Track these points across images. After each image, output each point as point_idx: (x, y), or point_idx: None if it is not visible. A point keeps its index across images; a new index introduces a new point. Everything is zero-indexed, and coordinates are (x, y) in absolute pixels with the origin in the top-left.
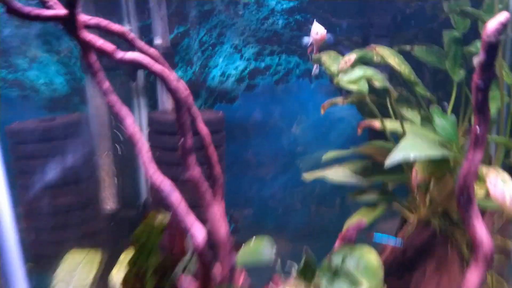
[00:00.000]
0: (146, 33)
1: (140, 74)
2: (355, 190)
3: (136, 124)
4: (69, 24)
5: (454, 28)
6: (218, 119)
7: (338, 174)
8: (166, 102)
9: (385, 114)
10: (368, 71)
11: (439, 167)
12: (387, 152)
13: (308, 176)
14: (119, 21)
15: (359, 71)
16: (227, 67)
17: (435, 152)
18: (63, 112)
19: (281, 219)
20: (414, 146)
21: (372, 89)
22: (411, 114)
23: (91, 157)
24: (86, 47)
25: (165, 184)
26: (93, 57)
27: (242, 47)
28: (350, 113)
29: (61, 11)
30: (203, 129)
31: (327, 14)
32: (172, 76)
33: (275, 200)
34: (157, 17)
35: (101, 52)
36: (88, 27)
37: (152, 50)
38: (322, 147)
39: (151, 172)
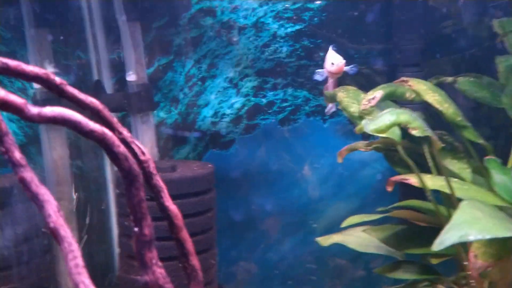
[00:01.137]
0: (118, 68)
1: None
2: (384, 264)
3: (59, 214)
4: None
5: (510, 52)
6: (206, 175)
7: (362, 242)
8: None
9: (422, 165)
10: (402, 116)
11: (505, 247)
12: (428, 217)
13: (323, 241)
14: (85, 52)
15: (389, 116)
16: (220, 105)
17: (503, 231)
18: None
19: None
20: (473, 222)
21: (405, 132)
22: (458, 166)
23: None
24: None
25: None
26: None
27: (238, 81)
28: (374, 157)
29: None
30: (172, 209)
31: (342, 38)
32: (115, 138)
33: (282, 270)
34: (129, 48)
35: (3, 108)
36: None
37: (90, 100)
38: (339, 202)
39: None
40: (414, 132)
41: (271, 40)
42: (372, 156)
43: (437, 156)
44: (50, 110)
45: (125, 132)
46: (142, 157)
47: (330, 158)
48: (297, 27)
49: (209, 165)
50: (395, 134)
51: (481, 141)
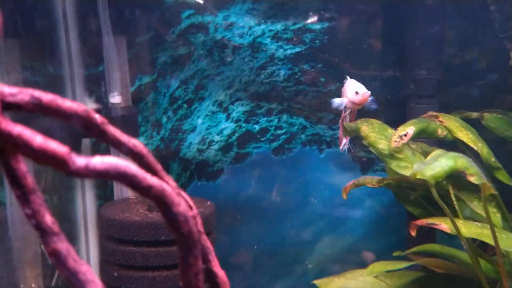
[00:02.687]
0: (96, 86)
1: (86, 143)
2: None
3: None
4: None
5: None
6: (207, 216)
7: None
8: (125, 191)
9: (434, 204)
10: (460, 160)
11: None
12: (454, 265)
13: (323, 285)
14: (56, 68)
15: (446, 161)
16: (208, 131)
17: None
18: None
19: None
20: None
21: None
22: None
23: None
24: (8, 150)
25: None
26: (22, 168)
27: (229, 105)
28: (373, 192)
29: None
30: (221, 276)
31: (345, 63)
32: (175, 195)
33: None
34: (114, 65)
35: (41, 160)
36: (12, 108)
37: (133, 143)
38: (336, 238)
39: None
40: (472, 179)
41: (268, 62)
42: (371, 191)
43: (466, 200)
44: (100, 162)
45: (170, 182)
46: (189, 213)
47: (326, 192)
48: (297, 49)
49: (208, 203)
50: (424, 175)
51: None
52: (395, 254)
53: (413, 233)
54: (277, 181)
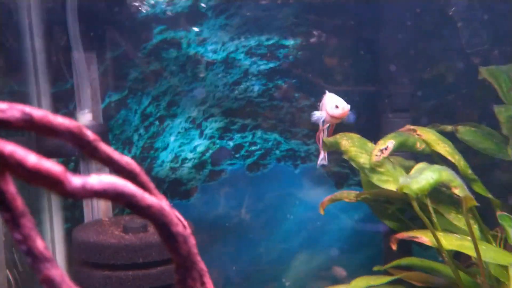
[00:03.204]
0: (63, 104)
1: None
2: None
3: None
4: None
5: (503, 101)
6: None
7: None
8: (96, 212)
9: (414, 219)
10: (444, 173)
11: None
12: (436, 278)
13: None
14: (21, 85)
15: (431, 174)
16: (181, 148)
17: None
18: None
19: None
20: None
21: None
22: (464, 222)
23: None
24: None
25: None
26: (11, 189)
27: (202, 121)
28: (349, 206)
29: None
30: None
31: (318, 78)
32: (173, 215)
33: None
34: (84, 82)
35: (35, 181)
36: (1, 125)
37: (126, 161)
38: (313, 254)
39: None
40: (456, 191)
41: (242, 78)
42: (346, 206)
43: (445, 212)
44: (98, 181)
45: (163, 201)
46: (186, 233)
47: (302, 207)
48: (271, 65)
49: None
50: (410, 189)
51: (489, 195)
52: (375, 268)
53: (394, 247)
54: (252, 198)
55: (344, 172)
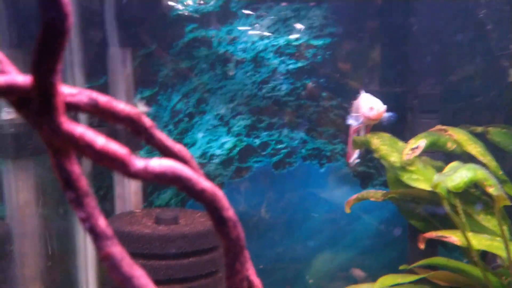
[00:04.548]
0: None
1: None
2: None
3: None
4: (37, 103)
5: None
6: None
7: None
8: (128, 204)
9: (441, 220)
10: (479, 172)
11: None
12: (462, 277)
13: None
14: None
15: (466, 172)
16: (209, 145)
17: None
18: None
19: None
20: None
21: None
22: (493, 223)
23: None
24: (65, 150)
25: None
26: (75, 170)
27: (230, 119)
28: (373, 206)
29: (19, 78)
30: (256, 285)
31: (346, 79)
32: (226, 199)
33: None
34: (119, 78)
35: (102, 162)
36: (70, 108)
37: (178, 148)
38: (337, 253)
39: None
40: (491, 190)
41: (270, 77)
42: (371, 205)
43: (473, 213)
44: (158, 164)
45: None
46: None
47: (327, 206)
48: (300, 64)
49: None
50: (442, 188)
51: None
52: (402, 267)
53: (422, 246)
54: (277, 196)
55: (369, 172)
